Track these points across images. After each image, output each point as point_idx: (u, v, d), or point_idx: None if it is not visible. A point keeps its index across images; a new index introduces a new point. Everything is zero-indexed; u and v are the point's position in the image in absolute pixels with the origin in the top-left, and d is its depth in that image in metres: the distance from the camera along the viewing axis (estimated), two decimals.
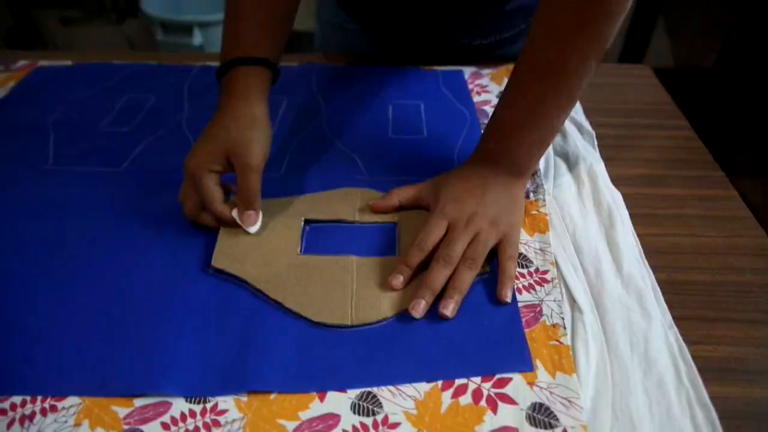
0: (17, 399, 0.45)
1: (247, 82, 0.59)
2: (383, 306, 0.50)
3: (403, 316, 0.50)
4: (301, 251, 0.56)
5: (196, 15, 1.85)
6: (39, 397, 0.45)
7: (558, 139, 0.71)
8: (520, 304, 0.51)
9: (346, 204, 0.61)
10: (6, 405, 0.44)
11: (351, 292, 0.52)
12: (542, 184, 0.63)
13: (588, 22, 0.52)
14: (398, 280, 0.52)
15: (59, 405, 0.44)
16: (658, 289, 0.52)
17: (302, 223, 0.59)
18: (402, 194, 0.60)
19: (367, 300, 0.51)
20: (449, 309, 0.50)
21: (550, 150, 0.69)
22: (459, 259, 0.53)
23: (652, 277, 0.53)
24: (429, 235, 0.54)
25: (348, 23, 0.93)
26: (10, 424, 0.43)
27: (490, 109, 0.78)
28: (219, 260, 0.55)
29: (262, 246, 0.56)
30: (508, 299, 0.51)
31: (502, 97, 0.60)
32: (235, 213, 0.57)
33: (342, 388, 0.45)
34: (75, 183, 0.66)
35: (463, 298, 0.51)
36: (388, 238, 0.58)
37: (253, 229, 0.57)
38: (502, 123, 0.60)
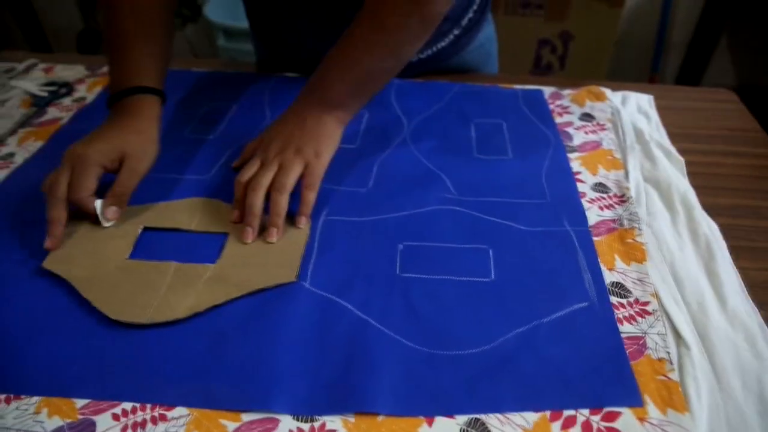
0: (128, 405, 0.46)
1: (142, 105, 0.65)
2: (181, 307, 0.52)
3: (507, 341, 0.50)
4: (129, 256, 0.58)
5: None
6: (148, 405, 0.45)
7: (647, 164, 0.70)
8: (622, 335, 0.50)
9: (187, 213, 0.64)
10: (118, 410, 0.45)
11: (159, 295, 0.54)
12: (636, 212, 0.62)
13: None
14: (233, 215, 0.62)
15: (168, 414, 0.45)
16: (766, 326, 0.51)
17: (140, 230, 0.61)
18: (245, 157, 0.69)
19: (169, 302, 0.53)
20: (272, 236, 0.59)
21: (639, 176, 0.68)
22: (266, 187, 0.60)
23: (758, 313, 0.52)
24: (244, 172, 0.62)
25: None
26: (123, 430, 0.44)
27: (573, 131, 0.78)
28: (50, 262, 0.57)
29: (94, 250, 0.59)
30: (301, 225, 0.60)
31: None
32: (98, 205, 0.60)
33: (450, 414, 0.44)
34: (165, 190, 0.67)
35: (283, 221, 0.60)
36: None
37: (107, 224, 0.61)
38: (324, 61, 0.66)
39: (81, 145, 0.61)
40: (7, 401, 0.46)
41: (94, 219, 0.61)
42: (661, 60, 2.11)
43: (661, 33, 2.04)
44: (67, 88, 0.91)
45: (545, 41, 1.87)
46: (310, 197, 0.61)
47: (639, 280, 0.56)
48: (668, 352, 0.49)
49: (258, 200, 0.60)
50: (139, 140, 0.63)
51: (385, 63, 0.65)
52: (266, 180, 0.60)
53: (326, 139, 0.64)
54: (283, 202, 0.60)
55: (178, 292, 0.54)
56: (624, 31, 1.98)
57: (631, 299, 0.54)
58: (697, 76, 2.08)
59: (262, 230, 0.60)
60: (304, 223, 0.61)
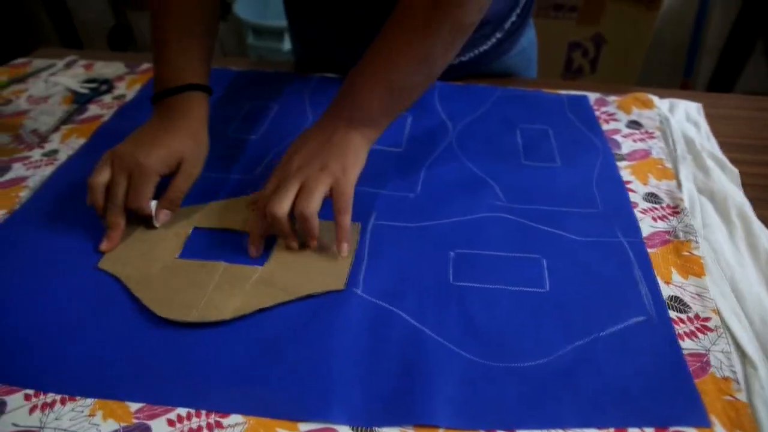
0: (182, 411, 0.45)
1: (192, 104, 0.65)
2: (227, 308, 0.52)
3: (565, 354, 0.48)
4: (178, 256, 0.58)
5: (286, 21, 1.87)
6: (203, 412, 0.45)
7: (699, 175, 0.69)
8: (684, 352, 0.49)
9: (237, 213, 0.63)
10: (173, 416, 0.45)
11: (205, 294, 0.53)
12: (691, 224, 0.61)
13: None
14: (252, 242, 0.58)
15: (224, 422, 0.44)
16: None
17: (190, 230, 0.61)
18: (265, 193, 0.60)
19: (215, 301, 0.53)
20: (313, 247, 0.57)
21: (692, 187, 0.66)
22: (287, 212, 0.55)
23: None
24: (261, 192, 0.58)
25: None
26: None
27: (620, 139, 0.76)
28: (105, 263, 0.58)
29: (146, 250, 0.59)
30: (344, 254, 0.57)
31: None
32: (153, 205, 0.60)
33: (511, 428, 0.43)
34: (211, 189, 0.67)
35: (316, 242, 0.57)
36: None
37: (158, 225, 0.61)
38: (354, 72, 0.62)
39: (138, 151, 0.59)
40: (62, 402, 0.46)
41: (144, 220, 0.61)
42: (694, 65, 2.07)
43: (696, 37, 2.00)
44: (108, 85, 0.91)
45: (576, 44, 1.84)
46: (346, 222, 0.57)
47: (698, 294, 0.54)
48: (734, 371, 0.47)
49: (285, 226, 0.56)
50: (194, 144, 0.63)
51: (415, 76, 0.61)
52: (288, 203, 0.56)
53: (353, 156, 0.59)
54: (313, 224, 0.56)
55: (224, 292, 0.54)
56: (656, 34, 1.95)
57: (691, 314, 0.52)
58: (730, 82, 2.05)
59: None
60: (345, 250, 0.57)
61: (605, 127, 0.79)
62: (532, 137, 0.76)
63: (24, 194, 0.68)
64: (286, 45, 1.86)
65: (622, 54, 1.83)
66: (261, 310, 0.52)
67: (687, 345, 0.50)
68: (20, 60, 0.98)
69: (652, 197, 0.66)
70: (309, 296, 0.54)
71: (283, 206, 0.55)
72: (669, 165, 0.71)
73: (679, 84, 2.10)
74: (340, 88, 0.63)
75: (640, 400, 0.45)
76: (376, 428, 0.44)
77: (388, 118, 0.63)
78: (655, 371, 0.47)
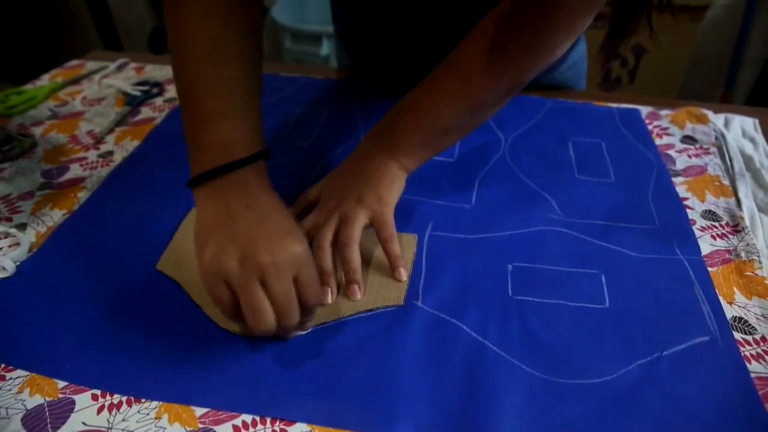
0: (248, 418, 0.45)
1: (264, 178, 0.55)
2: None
3: (628, 373, 0.48)
4: None
5: (325, 25, 1.88)
6: (268, 419, 0.45)
7: (760, 193, 0.67)
8: (752, 375, 0.48)
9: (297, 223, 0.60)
10: (238, 422, 0.45)
11: None
12: (754, 244, 0.60)
13: (522, 54, 0.55)
14: None
15: (289, 430, 0.44)
16: None
17: None
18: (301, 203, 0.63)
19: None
20: (356, 293, 0.54)
21: (753, 205, 0.65)
22: (331, 242, 0.56)
23: None
24: (303, 224, 0.59)
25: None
26: None
27: (675, 154, 0.75)
28: (163, 264, 0.58)
29: None
30: (402, 278, 0.56)
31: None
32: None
33: None
34: None
35: (361, 275, 0.55)
36: None
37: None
38: (400, 104, 0.61)
39: (284, 249, 0.47)
40: (128, 403, 0.46)
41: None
42: (736, 77, 2.04)
43: (739, 49, 1.97)
44: (159, 87, 0.93)
45: (615, 54, 1.82)
46: (395, 249, 0.56)
47: (764, 316, 0.53)
48: None
49: (327, 259, 0.55)
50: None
51: (461, 122, 0.60)
52: (330, 234, 0.56)
53: (388, 183, 0.59)
54: (354, 255, 0.55)
55: None
56: (696, 45, 1.93)
57: (757, 336, 0.52)
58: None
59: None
60: (403, 275, 0.56)
61: (658, 141, 0.78)
62: (584, 150, 0.75)
63: (82, 195, 0.69)
64: (324, 50, 1.87)
65: (662, 65, 1.81)
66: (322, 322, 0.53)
67: (755, 368, 0.49)
68: (75, 62, 1.00)
69: (710, 215, 0.65)
70: (369, 310, 0.54)
71: (327, 236, 0.56)
72: (726, 182, 0.70)
73: (720, 96, 2.07)
74: (380, 121, 0.62)
75: (709, 422, 0.44)
76: None
77: (426, 155, 0.62)
78: (723, 394, 0.47)
